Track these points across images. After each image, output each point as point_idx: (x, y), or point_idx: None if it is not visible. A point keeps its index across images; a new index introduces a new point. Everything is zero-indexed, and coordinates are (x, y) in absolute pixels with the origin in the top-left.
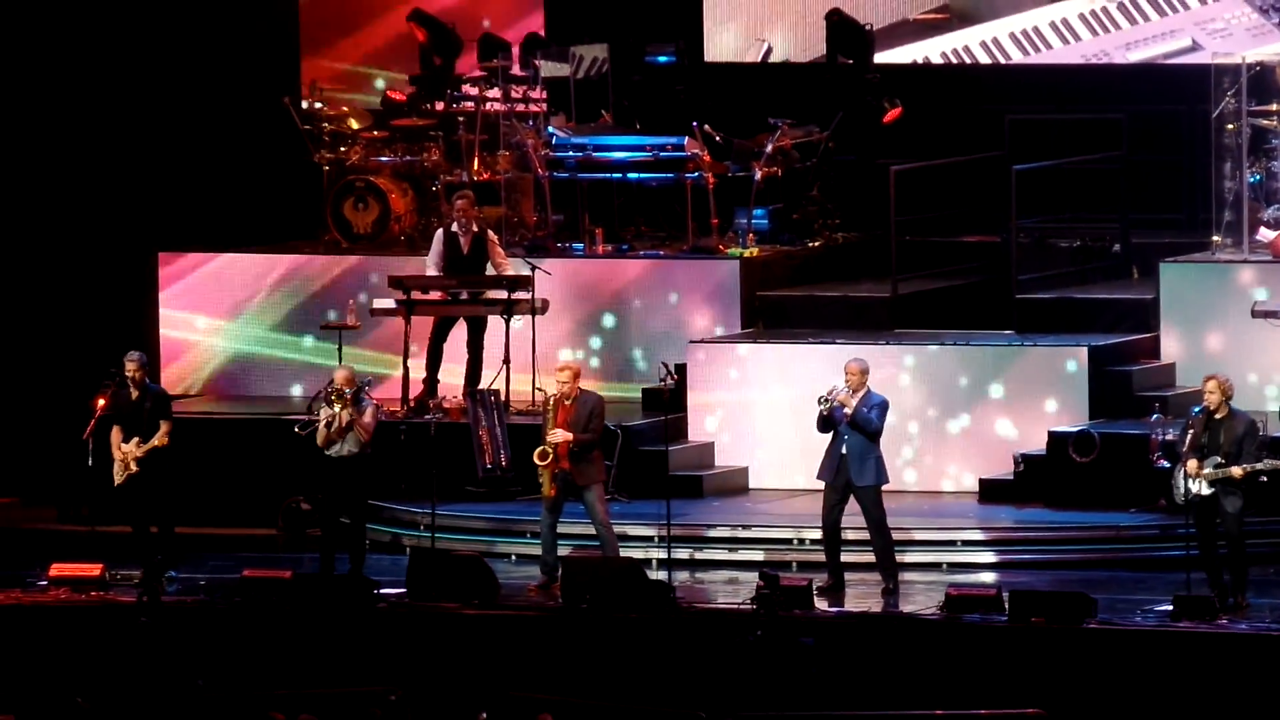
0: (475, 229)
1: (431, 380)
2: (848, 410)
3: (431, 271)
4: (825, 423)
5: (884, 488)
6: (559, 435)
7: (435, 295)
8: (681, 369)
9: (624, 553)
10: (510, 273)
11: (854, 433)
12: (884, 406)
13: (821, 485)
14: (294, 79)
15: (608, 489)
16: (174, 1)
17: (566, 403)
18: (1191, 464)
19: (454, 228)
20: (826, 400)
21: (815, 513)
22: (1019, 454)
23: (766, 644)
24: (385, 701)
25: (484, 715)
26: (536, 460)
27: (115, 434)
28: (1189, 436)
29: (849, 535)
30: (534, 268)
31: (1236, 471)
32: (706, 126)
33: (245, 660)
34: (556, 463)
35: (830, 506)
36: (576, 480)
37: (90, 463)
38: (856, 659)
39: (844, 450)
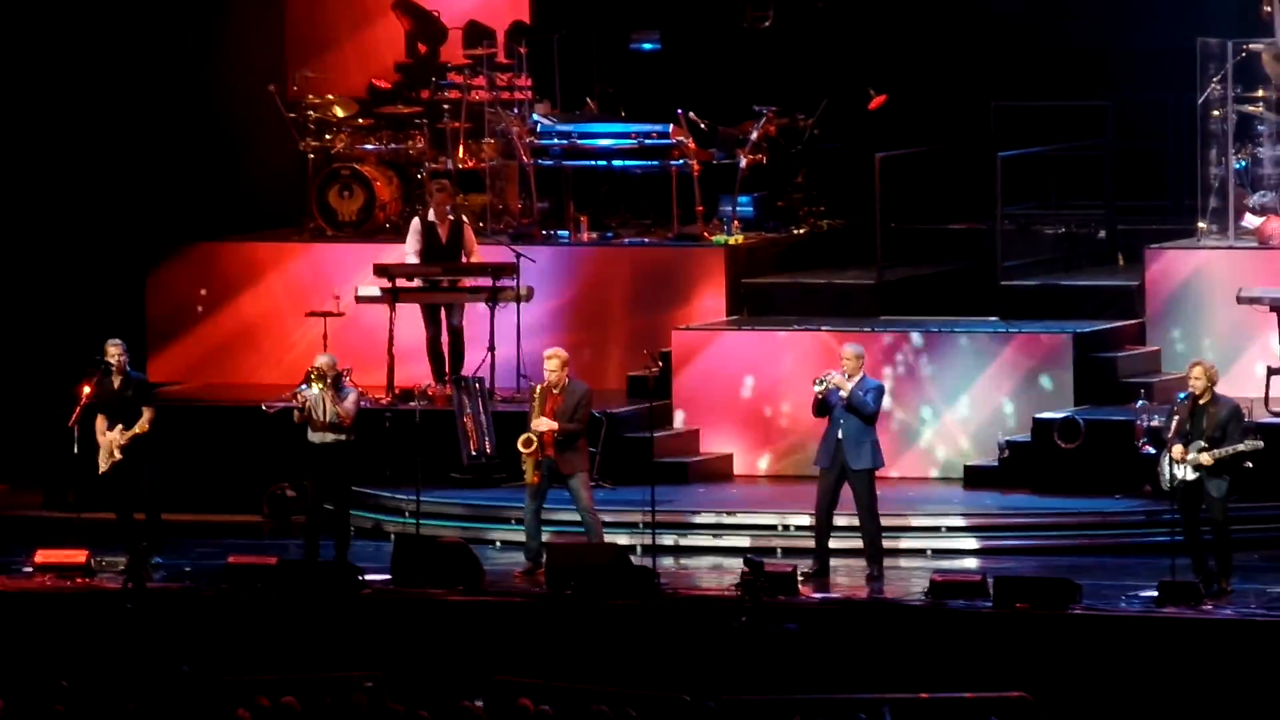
0: (452, 218)
1: (438, 369)
2: (843, 393)
3: (411, 260)
4: (821, 407)
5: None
6: (544, 424)
7: (419, 282)
8: (666, 356)
9: (609, 539)
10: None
11: (850, 417)
12: (880, 391)
13: (814, 472)
14: (280, 67)
15: (592, 476)
16: None
17: (555, 391)
18: (1176, 449)
19: (431, 216)
20: (822, 382)
21: (800, 499)
22: (1004, 440)
23: (751, 630)
24: (365, 687)
25: (479, 704)
26: (520, 448)
27: (100, 421)
28: (1174, 422)
29: (835, 521)
30: (518, 255)
31: (1205, 459)
32: (691, 114)
33: (230, 646)
34: (541, 450)
35: (825, 491)
36: (561, 469)
37: (75, 450)
38: (841, 645)
39: (840, 435)
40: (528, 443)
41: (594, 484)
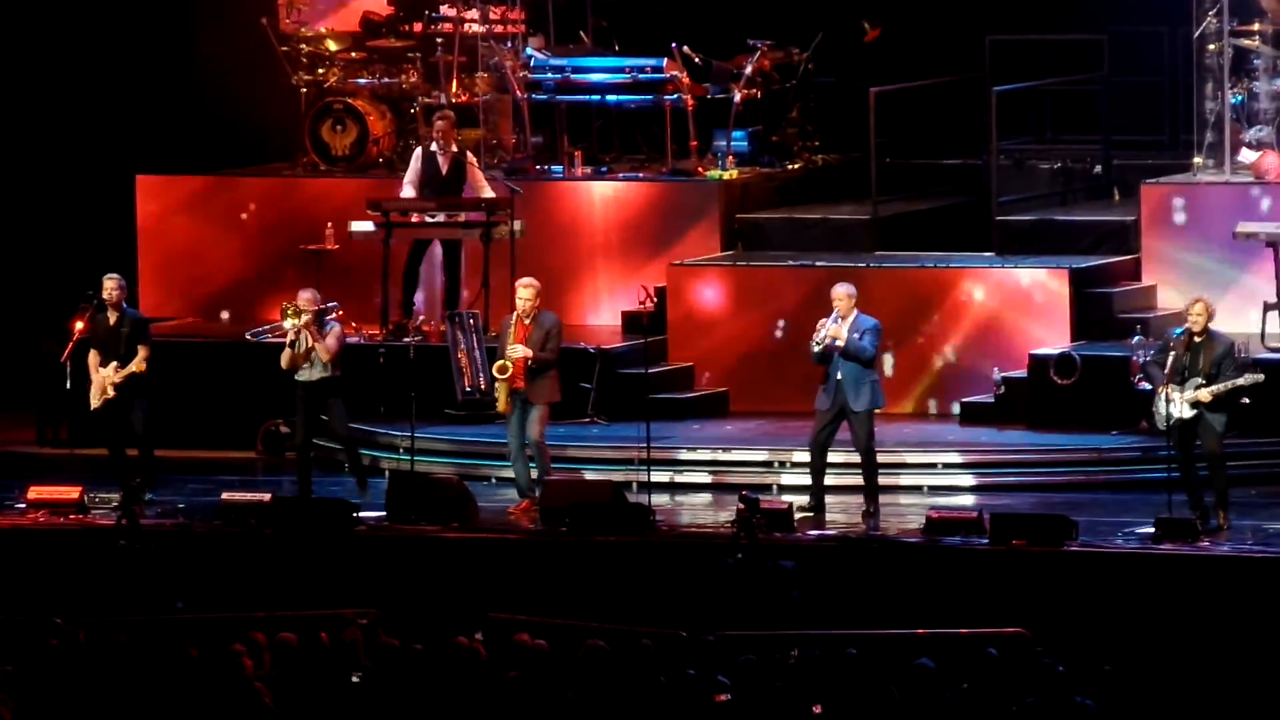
0: (454, 150)
1: (407, 302)
2: (839, 343)
3: (409, 192)
4: (821, 358)
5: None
6: (519, 350)
7: (414, 217)
8: (661, 292)
9: (605, 476)
10: (489, 195)
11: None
12: (876, 330)
13: (810, 408)
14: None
15: (587, 412)
16: None
17: (525, 321)
18: (1173, 390)
19: (433, 148)
20: (819, 342)
21: (796, 436)
22: (999, 376)
23: (747, 567)
24: (359, 623)
25: (479, 636)
26: (495, 373)
27: (93, 357)
28: (1170, 359)
29: (831, 458)
30: (512, 190)
31: (1205, 395)
32: (685, 48)
33: (225, 583)
34: (513, 379)
35: (821, 429)
36: (530, 398)
37: (68, 385)
38: (837, 582)
39: (839, 376)
40: (503, 369)
41: (589, 420)
